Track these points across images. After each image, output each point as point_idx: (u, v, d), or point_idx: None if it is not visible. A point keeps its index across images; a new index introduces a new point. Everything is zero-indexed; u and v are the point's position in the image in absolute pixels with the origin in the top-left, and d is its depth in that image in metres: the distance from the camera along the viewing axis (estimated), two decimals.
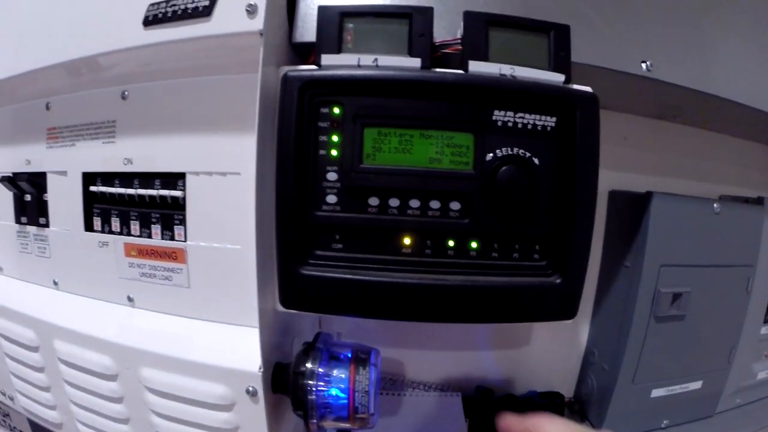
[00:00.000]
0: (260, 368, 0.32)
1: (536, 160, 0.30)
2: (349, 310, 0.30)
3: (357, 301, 0.29)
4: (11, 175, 0.44)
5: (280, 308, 0.31)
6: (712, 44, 0.42)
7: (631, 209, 0.44)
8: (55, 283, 0.43)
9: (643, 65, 0.39)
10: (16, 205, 0.45)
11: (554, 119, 0.31)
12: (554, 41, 0.32)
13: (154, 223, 0.35)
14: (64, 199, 0.40)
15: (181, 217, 0.34)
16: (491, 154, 0.29)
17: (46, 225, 0.42)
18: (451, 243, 0.30)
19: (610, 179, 0.47)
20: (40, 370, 0.44)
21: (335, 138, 0.29)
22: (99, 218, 0.38)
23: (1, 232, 0.47)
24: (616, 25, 0.38)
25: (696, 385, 0.50)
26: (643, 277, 0.43)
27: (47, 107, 0.42)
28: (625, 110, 0.47)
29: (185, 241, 0.34)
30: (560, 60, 0.32)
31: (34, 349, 0.43)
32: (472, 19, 0.32)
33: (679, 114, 0.48)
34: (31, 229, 0.43)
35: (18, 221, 0.45)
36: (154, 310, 0.37)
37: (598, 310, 0.48)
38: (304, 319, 0.44)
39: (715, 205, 0.47)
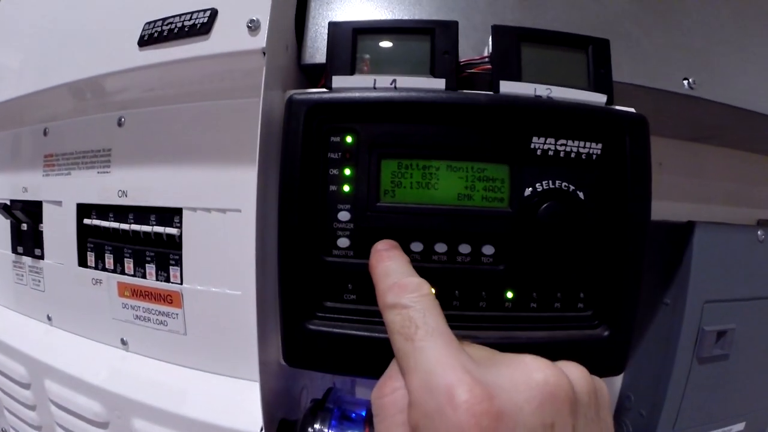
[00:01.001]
0: (261, 430, 0.26)
1: (581, 194, 0.24)
2: (364, 371, 0.24)
3: (373, 362, 0.23)
4: (8, 202, 0.39)
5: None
6: (758, 59, 0.36)
7: (671, 241, 0.38)
8: (49, 318, 0.38)
9: (685, 83, 0.33)
10: (12, 234, 0.40)
11: (599, 146, 0.25)
12: (593, 57, 0.27)
13: (149, 262, 0.30)
14: (59, 231, 0.35)
15: (177, 256, 0.29)
16: (530, 189, 0.24)
17: (41, 257, 0.37)
18: (483, 293, 0.24)
19: None
20: (31, 408, 0.39)
21: (348, 171, 0.23)
22: (93, 253, 0.33)
23: None
24: (654, 39, 0.33)
25: (739, 426, 0.43)
26: (686, 315, 0.36)
27: (45, 133, 0.37)
28: (659, 134, 0.41)
29: (181, 283, 0.29)
30: (600, 78, 0.27)
31: (26, 386, 0.38)
32: (501, 34, 0.26)
33: (717, 135, 0.42)
34: (27, 260, 0.39)
35: (14, 251, 0.40)
36: (148, 355, 0.32)
37: (635, 351, 0.41)
38: None
39: (759, 232, 0.41)
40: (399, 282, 0.19)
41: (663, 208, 0.41)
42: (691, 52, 0.34)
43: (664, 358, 0.38)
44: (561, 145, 0.24)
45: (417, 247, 0.23)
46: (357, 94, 0.23)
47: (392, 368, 0.18)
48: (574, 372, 0.17)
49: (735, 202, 0.45)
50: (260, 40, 0.25)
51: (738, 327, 0.40)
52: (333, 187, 0.24)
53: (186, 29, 0.26)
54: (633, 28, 0.32)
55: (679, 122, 0.40)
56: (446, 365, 0.15)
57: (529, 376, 0.15)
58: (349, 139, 0.23)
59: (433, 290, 0.18)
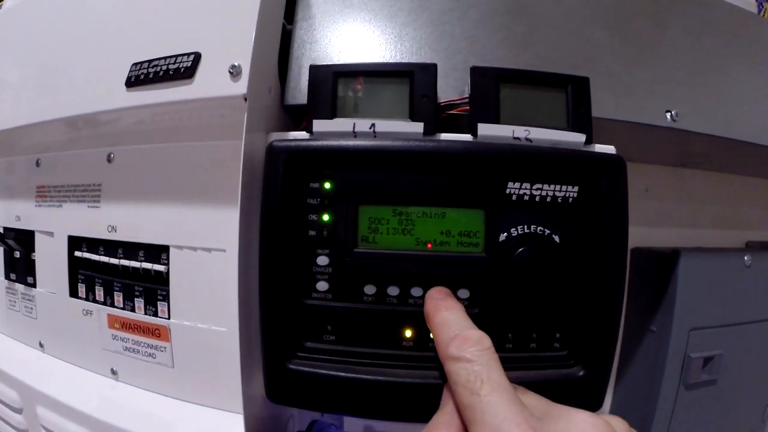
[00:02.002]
0: None
1: (556, 238, 0.25)
2: (343, 409, 0.25)
3: (352, 401, 0.25)
4: (1, 230, 0.40)
5: None
6: (738, 88, 0.37)
7: (657, 269, 0.39)
8: (41, 345, 0.39)
9: (668, 115, 0.34)
10: (5, 261, 0.41)
11: (576, 189, 0.26)
12: (572, 97, 0.28)
13: (138, 297, 0.31)
14: (51, 261, 0.37)
15: (164, 292, 0.30)
16: (505, 234, 0.25)
17: (34, 285, 0.39)
18: None
19: (632, 235, 0.41)
20: None
21: (326, 217, 0.25)
22: (83, 285, 0.34)
23: None
24: (635, 73, 0.33)
25: None
26: (672, 342, 0.37)
27: (37, 164, 0.38)
28: (645, 161, 0.42)
29: (168, 318, 0.30)
30: (580, 117, 0.28)
31: (18, 411, 0.40)
32: (480, 75, 0.27)
33: (704, 161, 0.43)
34: (19, 287, 0.40)
35: (7, 277, 0.41)
36: (137, 386, 0.33)
37: (622, 377, 0.42)
38: None
39: (745, 257, 0.42)
40: (461, 334, 0.20)
41: (651, 235, 0.42)
42: (673, 85, 0.34)
43: (651, 383, 0.39)
44: (536, 189, 0.25)
45: (393, 291, 0.24)
46: (335, 143, 0.24)
47: (443, 417, 0.20)
48: (619, 426, 0.19)
49: (724, 225, 0.46)
50: (242, 86, 0.26)
51: (726, 352, 0.40)
52: (312, 232, 0.25)
53: (171, 72, 0.28)
54: (614, 62, 0.33)
55: (666, 149, 0.40)
56: (512, 421, 0.17)
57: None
58: (327, 185, 0.25)
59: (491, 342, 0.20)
